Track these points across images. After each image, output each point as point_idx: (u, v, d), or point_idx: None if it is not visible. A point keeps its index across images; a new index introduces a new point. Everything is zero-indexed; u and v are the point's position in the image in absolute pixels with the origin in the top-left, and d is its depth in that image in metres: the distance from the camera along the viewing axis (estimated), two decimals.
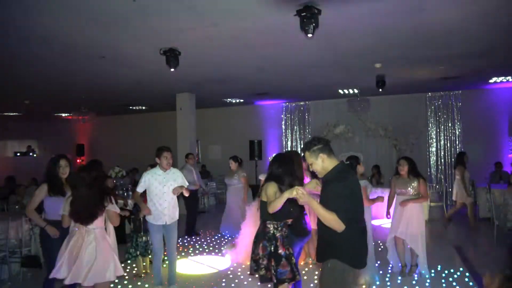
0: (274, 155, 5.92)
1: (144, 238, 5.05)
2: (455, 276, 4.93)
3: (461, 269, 5.18)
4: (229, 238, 7.09)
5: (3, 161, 14.53)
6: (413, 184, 4.87)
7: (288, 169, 3.40)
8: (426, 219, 7.60)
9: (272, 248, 3.22)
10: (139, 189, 4.41)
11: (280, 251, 3.21)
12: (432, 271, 5.08)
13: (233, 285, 4.80)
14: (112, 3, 4.19)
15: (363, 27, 5.15)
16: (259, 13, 4.55)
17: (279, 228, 3.27)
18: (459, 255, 5.87)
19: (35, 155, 15.37)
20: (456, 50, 6.35)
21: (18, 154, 15.01)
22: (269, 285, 4.62)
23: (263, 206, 3.25)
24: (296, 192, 2.52)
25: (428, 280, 4.78)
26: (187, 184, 4.58)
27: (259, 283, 4.74)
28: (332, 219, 2.43)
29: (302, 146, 10.15)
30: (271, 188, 3.27)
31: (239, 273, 5.21)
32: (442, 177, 10.80)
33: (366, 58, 6.72)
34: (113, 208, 3.40)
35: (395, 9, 4.54)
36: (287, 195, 2.67)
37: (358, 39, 5.64)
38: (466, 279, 4.82)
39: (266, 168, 5.13)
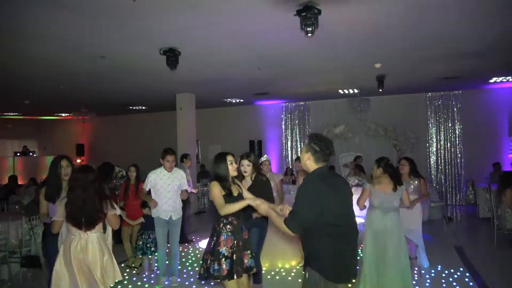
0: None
1: (149, 236, 5.17)
2: (455, 276, 4.93)
3: (461, 269, 5.18)
4: None
5: (3, 161, 14.52)
6: (413, 184, 4.92)
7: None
8: (426, 219, 7.59)
9: (212, 244, 3.12)
10: (145, 187, 4.70)
11: (219, 248, 3.07)
12: (432, 271, 5.09)
13: None
14: (112, 3, 4.19)
15: (363, 27, 5.14)
16: (259, 13, 4.55)
17: (223, 225, 3.15)
18: (459, 255, 5.87)
19: (35, 155, 15.35)
20: (456, 50, 6.35)
21: (18, 154, 14.99)
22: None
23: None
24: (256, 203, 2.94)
25: (428, 280, 4.78)
26: (185, 186, 4.79)
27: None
28: (282, 227, 2.44)
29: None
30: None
31: None
32: (442, 177, 10.80)
33: (366, 58, 6.73)
34: (112, 211, 3.24)
35: (395, 9, 4.54)
36: (249, 202, 3.03)
37: (358, 39, 5.64)
38: (466, 279, 4.82)
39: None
